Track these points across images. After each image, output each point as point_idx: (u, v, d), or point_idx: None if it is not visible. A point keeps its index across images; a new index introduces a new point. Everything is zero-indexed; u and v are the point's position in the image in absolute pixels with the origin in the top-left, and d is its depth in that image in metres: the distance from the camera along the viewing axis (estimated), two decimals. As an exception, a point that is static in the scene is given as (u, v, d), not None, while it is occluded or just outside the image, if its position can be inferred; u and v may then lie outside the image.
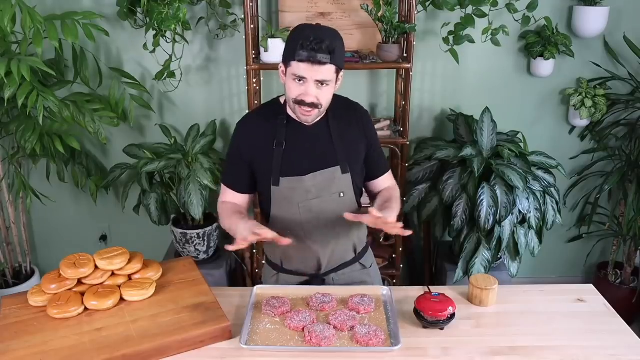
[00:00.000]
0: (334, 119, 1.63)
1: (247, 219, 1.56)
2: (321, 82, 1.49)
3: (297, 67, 1.47)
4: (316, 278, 1.71)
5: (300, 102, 1.52)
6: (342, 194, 1.63)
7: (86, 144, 2.86)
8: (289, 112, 1.62)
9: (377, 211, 1.45)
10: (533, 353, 1.40)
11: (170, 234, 2.76)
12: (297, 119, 1.60)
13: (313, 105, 1.52)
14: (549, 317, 1.55)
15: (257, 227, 1.45)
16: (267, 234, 1.43)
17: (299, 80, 1.49)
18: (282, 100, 1.65)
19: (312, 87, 1.49)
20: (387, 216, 1.47)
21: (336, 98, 1.63)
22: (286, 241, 1.46)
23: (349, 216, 1.51)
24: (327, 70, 1.47)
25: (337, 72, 1.52)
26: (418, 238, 3.04)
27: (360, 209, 1.72)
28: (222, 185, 1.72)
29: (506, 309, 1.59)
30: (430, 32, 2.70)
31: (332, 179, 1.61)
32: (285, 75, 1.54)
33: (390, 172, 1.78)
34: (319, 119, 1.60)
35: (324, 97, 1.53)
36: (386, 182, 1.76)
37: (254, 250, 2.76)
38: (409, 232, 1.49)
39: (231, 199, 1.70)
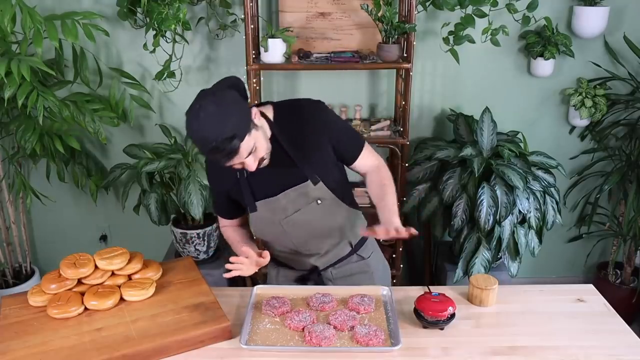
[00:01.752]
0: (283, 136, 1.51)
1: (245, 245, 1.58)
2: (249, 153, 1.39)
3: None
4: (314, 271, 1.72)
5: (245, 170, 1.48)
6: (319, 201, 1.58)
7: (86, 144, 2.86)
8: None
9: (384, 230, 1.44)
10: (533, 353, 1.40)
11: (170, 234, 2.76)
12: None
13: (258, 165, 1.46)
14: (549, 317, 1.55)
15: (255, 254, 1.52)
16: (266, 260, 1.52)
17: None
18: None
19: (247, 161, 1.41)
20: (394, 226, 1.44)
21: (277, 108, 1.54)
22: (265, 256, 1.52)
23: (363, 232, 1.52)
24: (245, 146, 1.36)
25: (252, 127, 1.39)
26: (418, 238, 3.04)
27: (358, 207, 1.73)
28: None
29: (506, 309, 1.59)
30: (430, 32, 2.69)
31: (306, 192, 1.56)
32: None
33: (367, 147, 1.64)
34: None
35: (261, 153, 1.43)
36: (367, 160, 1.64)
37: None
38: (416, 233, 1.45)
39: (229, 224, 1.75)
